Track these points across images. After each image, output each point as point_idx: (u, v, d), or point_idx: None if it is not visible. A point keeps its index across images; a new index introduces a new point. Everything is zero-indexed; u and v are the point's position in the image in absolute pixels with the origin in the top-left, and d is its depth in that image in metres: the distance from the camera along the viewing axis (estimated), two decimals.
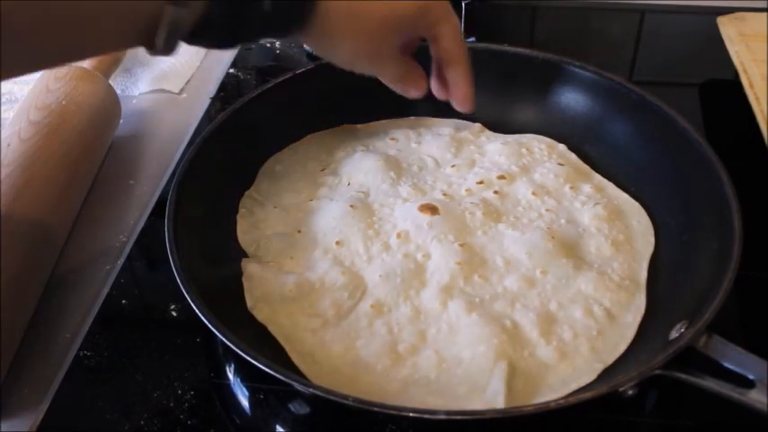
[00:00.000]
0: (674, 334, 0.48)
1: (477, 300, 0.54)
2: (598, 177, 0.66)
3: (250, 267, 0.58)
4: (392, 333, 0.53)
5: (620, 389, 0.47)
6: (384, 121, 0.73)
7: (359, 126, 0.72)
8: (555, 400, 0.48)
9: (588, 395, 0.46)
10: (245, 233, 0.62)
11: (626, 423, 0.51)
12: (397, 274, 0.56)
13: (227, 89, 0.85)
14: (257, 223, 0.62)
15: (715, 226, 0.54)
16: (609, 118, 0.67)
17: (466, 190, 0.63)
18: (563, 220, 0.61)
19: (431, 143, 0.69)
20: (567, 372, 0.50)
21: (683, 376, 0.45)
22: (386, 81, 0.61)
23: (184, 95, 0.84)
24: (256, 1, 0.49)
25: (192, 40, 0.48)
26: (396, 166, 0.66)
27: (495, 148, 0.68)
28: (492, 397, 0.48)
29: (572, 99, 0.69)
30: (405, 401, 0.48)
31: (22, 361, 0.55)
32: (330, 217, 0.61)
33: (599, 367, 0.51)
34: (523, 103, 0.71)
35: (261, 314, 0.55)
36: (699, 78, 0.83)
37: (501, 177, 0.64)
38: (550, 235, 0.59)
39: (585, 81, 0.68)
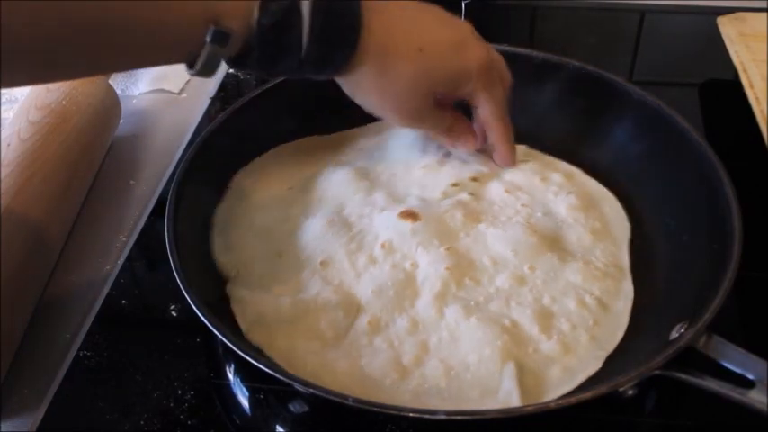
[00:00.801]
0: (674, 334, 0.48)
1: (472, 303, 0.54)
2: (564, 165, 0.67)
3: (239, 292, 0.55)
4: (393, 347, 0.51)
5: (620, 389, 0.47)
6: (351, 131, 0.71)
7: (325, 137, 0.70)
8: (554, 400, 0.48)
9: (588, 395, 0.46)
10: (221, 254, 0.59)
11: (626, 423, 0.51)
12: (388, 287, 0.54)
13: (227, 89, 0.85)
14: (232, 247, 0.59)
15: (715, 226, 0.54)
16: (609, 118, 0.67)
17: (441, 193, 0.62)
18: (539, 213, 0.61)
19: (398, 148, 0.67)
20: (573, 363, 0.51)
21: (683, 376, 0.45)
22: (430, 135, 0.60)
23: (184, 95, 0.84)
24: (293, 47, 0.49)
25: (233, 66, 0.51)
26: (366, 176, 0.64)
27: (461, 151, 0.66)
28: (506, 397, 0.48)
29: (572, 99, 0.69)
30: None
31: (22, 361, 0.55)
32: (310, 236, 0.58)
33: (602, 354, 0.51)
34: (523, 104, 0.71)
35: (257, 338, 0.52)
36: (699, 78, 0.83)
37: (474, 179, 0.63)
38: (531, 229, 0.58)
39: (585, 81, 0.68)
